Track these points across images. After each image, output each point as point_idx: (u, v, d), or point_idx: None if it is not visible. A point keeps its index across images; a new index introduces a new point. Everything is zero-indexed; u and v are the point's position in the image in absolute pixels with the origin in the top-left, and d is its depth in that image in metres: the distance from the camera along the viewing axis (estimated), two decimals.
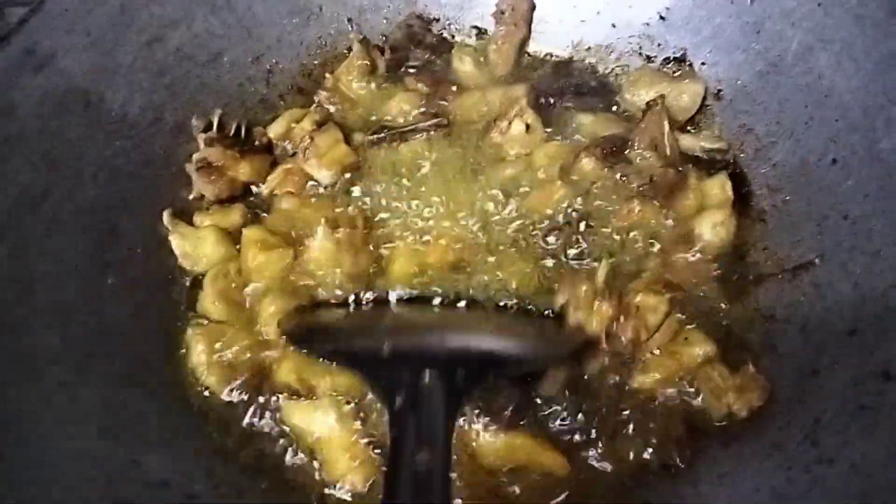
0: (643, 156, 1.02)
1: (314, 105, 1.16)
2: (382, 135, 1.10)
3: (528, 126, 1.08)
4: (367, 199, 1.04)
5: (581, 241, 0.98)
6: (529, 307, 0.93)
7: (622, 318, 0.88)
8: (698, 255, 0.97)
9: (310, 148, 1.05)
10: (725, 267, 0.98)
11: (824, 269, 0.92)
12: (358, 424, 0.87)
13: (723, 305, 0.95)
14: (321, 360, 0.87)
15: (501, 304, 0.94)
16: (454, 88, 1.16)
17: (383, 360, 0.76)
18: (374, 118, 1.14)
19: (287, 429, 0.89)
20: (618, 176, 1.01)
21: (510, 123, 1.08)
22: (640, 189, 1.00)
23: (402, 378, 0.72)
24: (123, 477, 0.78)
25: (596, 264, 0.95)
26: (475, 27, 1.25)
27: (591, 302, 0.87)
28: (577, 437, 0.86)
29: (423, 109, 1.13)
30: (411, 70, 1.19)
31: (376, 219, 1.02)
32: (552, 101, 1.13)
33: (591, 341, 0.87)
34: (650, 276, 0.94)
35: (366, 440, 0.87)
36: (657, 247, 0.98)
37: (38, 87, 0.95)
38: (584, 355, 0.88)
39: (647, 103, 1.04)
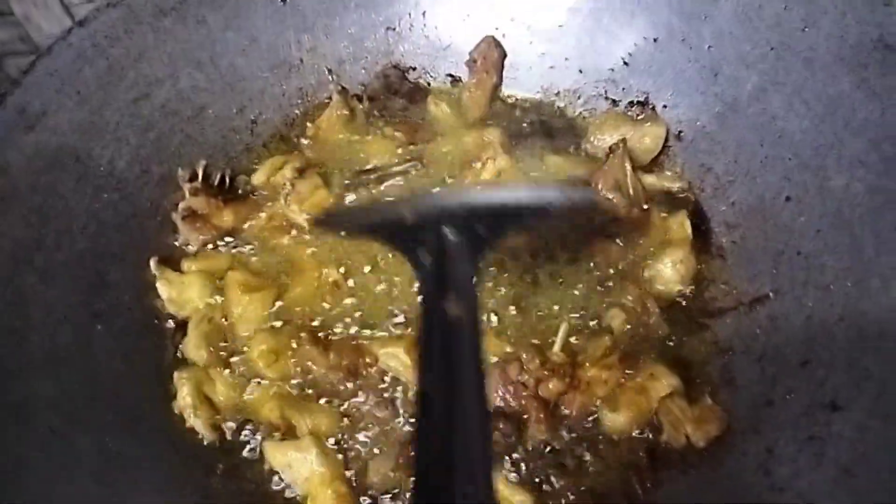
0: (607, 197, 1.07)
1: (295, 152, 1.21)
2: (361, 178, 1.16)
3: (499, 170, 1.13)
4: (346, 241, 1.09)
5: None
6: None
7: (570, 393, 0.93)
8: (659, 290, 1.02)
9: (291, 194, 1.10)
10: (685, 302, 1.03)
11: (779, 302, 0.96)
12: (339, 458, 0.92)
13: (682, 339, 0.99)
14: (350, 236, 0.95)
15: None
16: (430, 133, 1.22)
17: (406, 226, 0.76)
18: (353, 164, 1.19)
19: (269, 468, 0.92)
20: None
21: (483, 165, 1.13)
22: (604, 228, 1.05)
23: (425, 238, 0.74)
24: None
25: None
26: (449, 75, 1.30)
27: (543, 376, 0.92)
28: (540, 468, 0.90)
29: (400, 154, 1.19)
30: (389, 118, 1.24)
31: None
32: (523, 143, 1.19)
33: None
34: (605, 347, 0.96)
35: (348, 474, 0.92)
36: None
37: (29, 145, 0.99)
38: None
39: (610, 147, 1.09)
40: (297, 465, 0.90)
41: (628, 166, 1.07)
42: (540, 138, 1.19)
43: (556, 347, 0.95)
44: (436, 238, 0.73)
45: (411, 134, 1.21)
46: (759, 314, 0.97)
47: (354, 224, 0.89)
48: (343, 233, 0.93)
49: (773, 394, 0.89)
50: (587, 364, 0.94)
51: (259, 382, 0.98)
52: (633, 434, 0.92)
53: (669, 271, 1.02)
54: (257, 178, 1.15)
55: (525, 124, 1.23)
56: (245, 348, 1.00)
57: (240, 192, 1.13)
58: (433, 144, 1.19)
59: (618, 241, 1.05)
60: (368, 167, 1.18)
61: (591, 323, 1.00)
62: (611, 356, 0.95)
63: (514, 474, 0.89)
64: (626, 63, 1.20)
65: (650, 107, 1.18)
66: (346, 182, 1.14)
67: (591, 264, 1.04)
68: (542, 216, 0.90)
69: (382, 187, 1.14)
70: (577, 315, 1.01)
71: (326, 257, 1.07)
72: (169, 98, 1.14)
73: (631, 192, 1.08)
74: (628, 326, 0.99)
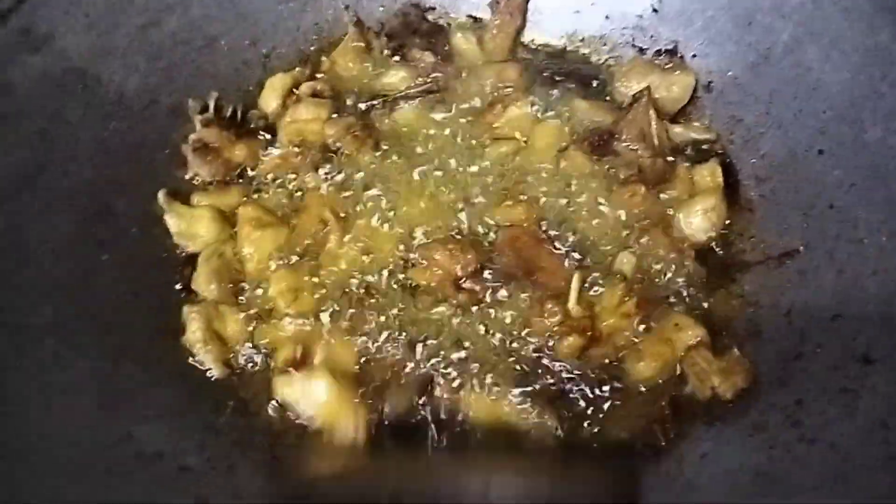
0: (631, 147, 1.03)
1: (296, 69, 1.17)
2: (376, 101, 1.13)
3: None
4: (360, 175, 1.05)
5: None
6: None
7: (592, 347, 0.91)
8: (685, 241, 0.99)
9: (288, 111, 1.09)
10: (712, 254, 1.00)
11: (809, 256, 0.93)
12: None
13: (708, 292, 0.97)
14: None
15: None
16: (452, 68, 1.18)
17: None
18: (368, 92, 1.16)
19: (278, 405, 0.89)
20: (606, 167, 1.03)
21: (506, 107, 1.09)
22: (629, 179, 1.01)
23: None
24: (117, 448, 0.79)
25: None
26: (471, 16, 1.26)
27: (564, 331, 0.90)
28: (563, 418, 0.88)
29: (418, 80, 1.15)
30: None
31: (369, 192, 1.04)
32: (546, 85, 1.15)
33: None
34: (619, 294, 0.93)
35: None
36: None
37: (35, 66, 0.96)
38: None
39: (634, 95, 1.06)
40: (309, 395, 0.88)
41: (653, 115, 1.04)
42: (563, 83, 1.15)
43: (571, 301, 0.92)
44: None
45: (437, 59, 1.17)
46: (789, 268, 0.95)
47: None
48: None
49: (802, 347, 0.86)
50: (604, 315, 0.92)
51: (273, 319, 0.94)
52: (658, 385, 0.90)
53: (699, 219, 0.99)
54: (267, 102, 1.11)
55: (548, 70, 1.19)
56: (258, 285, 0.97)
57: (252, 126, 1.09)
58: (454, 79, 1.16)
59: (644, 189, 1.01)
60: (384, 92, 1.14)
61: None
62: (627, 303, 0.92)
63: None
64: (655, 10, 1.17)
65: (679, 56, 1.15)
66: (362, 105, 1.12)
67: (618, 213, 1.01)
68: None
69: (396, 110, 1.11)
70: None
71: (335, 197, 1.03)
72: (180, 26, 1.10)
73: (655, 141, 1.04)
74: (640, 274, 0.96)
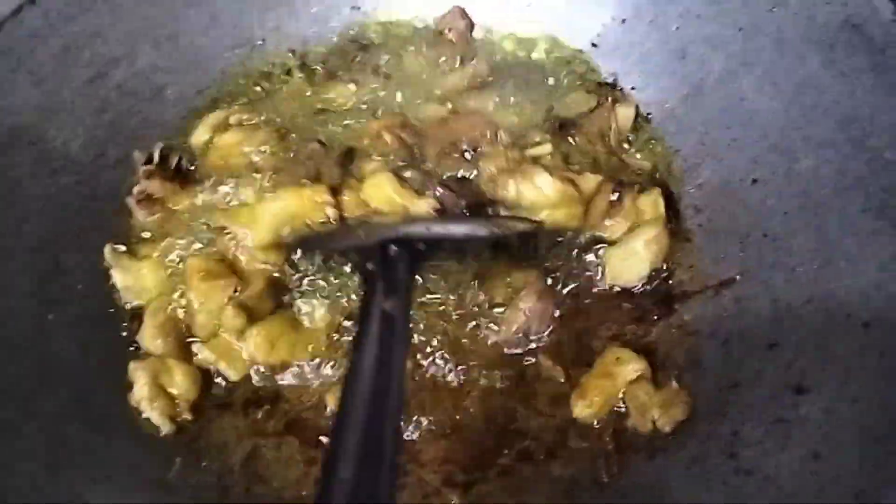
0: (589, 140, 1.08)
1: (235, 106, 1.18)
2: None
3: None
4: None
5: None
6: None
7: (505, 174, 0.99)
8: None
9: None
10: (652, 285, 1.01)
11: (746, 285, 0.95)
12: None
13: (648, 324, 0.99)
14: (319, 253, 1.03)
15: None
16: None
17: (362, 245, 0.94)
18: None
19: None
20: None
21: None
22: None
23: (373, 252, 0.90)
24: None
25: None
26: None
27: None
28: (509, 457, 0.89)
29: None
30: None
31: None
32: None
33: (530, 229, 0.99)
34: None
35: None
36: None
37: None
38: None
39: (598, 100, 1.11)
40: None
41: (613, 120, 1.09)
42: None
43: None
44: (381, 253, 0.89)
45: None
46: (726, 297, 0.96)
47: (322, 246, 1.02)
48: (312, 252, 1.02)
49: (739, 377, 0.88)
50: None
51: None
52: (601, 420, 0.91)
53: (642, 250, 1.00)
54: (197, 137, 1.12)
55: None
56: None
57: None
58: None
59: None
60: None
61: None
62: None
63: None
64: (594, 45, 1.19)
65: (619, 88, 1.17)
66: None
67: None
68: (472, 241, 1.01)
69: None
70: None
71: None
72: (126, 78, 1.11)
73: (612, 143, 1.09)
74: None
